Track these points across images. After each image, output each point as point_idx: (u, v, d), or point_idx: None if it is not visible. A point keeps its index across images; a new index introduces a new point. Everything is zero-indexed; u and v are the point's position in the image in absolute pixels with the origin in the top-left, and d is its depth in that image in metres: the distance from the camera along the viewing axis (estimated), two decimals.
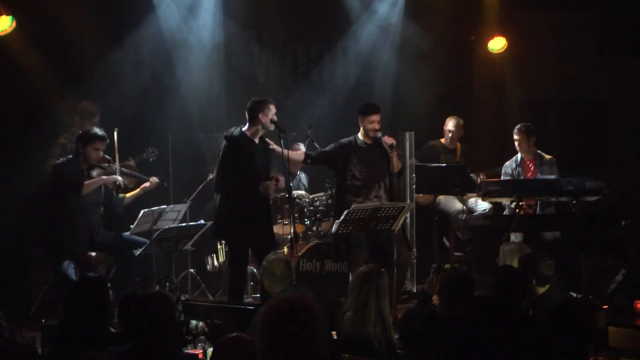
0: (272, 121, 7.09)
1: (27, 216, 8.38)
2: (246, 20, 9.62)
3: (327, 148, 7.84)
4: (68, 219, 7.17)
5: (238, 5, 9.45)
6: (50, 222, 7.25)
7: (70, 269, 7.04)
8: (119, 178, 7.27)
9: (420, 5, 9.81)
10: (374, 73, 9.93)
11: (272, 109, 7.11)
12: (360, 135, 7.82)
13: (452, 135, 9.06)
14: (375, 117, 7.69)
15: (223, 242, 8.64)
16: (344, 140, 7.83)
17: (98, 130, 7.31)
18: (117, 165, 7.39)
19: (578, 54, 10.42)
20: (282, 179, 7.51)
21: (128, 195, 7.56)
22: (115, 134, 7.41)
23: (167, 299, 4.21)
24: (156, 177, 7.71)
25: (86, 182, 7.14)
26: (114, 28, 9.31)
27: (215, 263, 8.83)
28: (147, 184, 7.59)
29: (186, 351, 5.01)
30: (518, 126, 8.56)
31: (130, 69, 9.37)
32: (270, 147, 7.30)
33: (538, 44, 10.30)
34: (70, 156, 7.36)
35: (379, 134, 7.67)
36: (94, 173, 7.22)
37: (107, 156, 7.44)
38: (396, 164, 7.68)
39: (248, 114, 7.13)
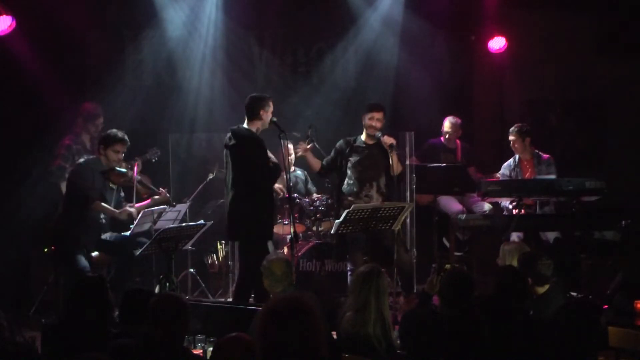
0: (272, 121, 7.09)
1: (28, 217, 8.38)
2: (246, 20, 9.62)
3: (332, 154, 7.95)
4: (84, 219, 7.23)
5: (238, 5, 9.45)
6: (67, 221, 7.25)
7: (84, 261, 7.07)
8: (133, 211, 7.30)
9: (421, 6, 9.80)
10: (374, 73, 9.92)
11: (271, 106, 7.13)
12: (362, 136, 7.88)
13: (449, 135, 9.08)
14: (377, 115, 7.75)
15: (224, 241, 8.65)
16: (342, 141, 7.90)
17: (119, 133, 7.34)
18: (135, 175, 7.40)
19: (578, 54, 10.41)
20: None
21: (137, 205, 7.54)
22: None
23: (186, 305, 4.25)
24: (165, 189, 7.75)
25: (100, 206, 7.23)
26: (114, 28, 9.33)
27: (216, 262, 8.82)
28: (157, 197, 7.59)
29: None
30: (512, 127, 8.60)
31: (130, 70, 9.38)
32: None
33: (538, 44, 10.28)
34: (93, 156, 7.37)
35: (379, 134, 7.69)
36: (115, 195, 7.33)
37: (128, 165, 7.48)
38: (396, 165, 7.69)
39: (248, 111, 7.11)
